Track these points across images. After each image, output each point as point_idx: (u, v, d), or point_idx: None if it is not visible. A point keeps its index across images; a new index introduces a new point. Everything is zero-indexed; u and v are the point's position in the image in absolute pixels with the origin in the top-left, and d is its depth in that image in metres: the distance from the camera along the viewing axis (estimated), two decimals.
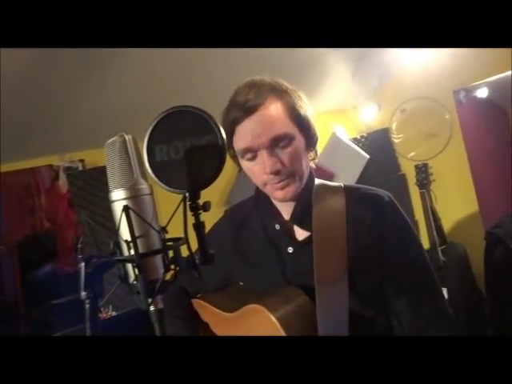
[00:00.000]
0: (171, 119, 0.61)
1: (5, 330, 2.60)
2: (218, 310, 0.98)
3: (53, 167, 2.77)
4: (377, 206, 0.94)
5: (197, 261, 0.62)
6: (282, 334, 0.80)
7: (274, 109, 0.89)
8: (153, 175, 0.60)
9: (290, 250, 0.96)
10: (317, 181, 0.97)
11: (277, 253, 0.97)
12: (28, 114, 2.14)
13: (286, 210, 0.97)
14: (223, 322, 0.97)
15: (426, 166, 3.00)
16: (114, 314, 1.94)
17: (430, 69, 3.06)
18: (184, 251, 0.64)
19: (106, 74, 2.10)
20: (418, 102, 3.22)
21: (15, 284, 2.81)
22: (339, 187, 0.96)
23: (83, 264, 0.60)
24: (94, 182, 1.90)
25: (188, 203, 0.61)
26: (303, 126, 0.92)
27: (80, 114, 2.28)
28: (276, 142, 0.88)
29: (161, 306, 0.61)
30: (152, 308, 0.60)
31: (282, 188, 0.91)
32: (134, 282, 0.59)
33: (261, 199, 0.99)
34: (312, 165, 1.00)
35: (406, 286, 0.91)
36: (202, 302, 1.03)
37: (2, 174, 2.63)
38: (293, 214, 0.96)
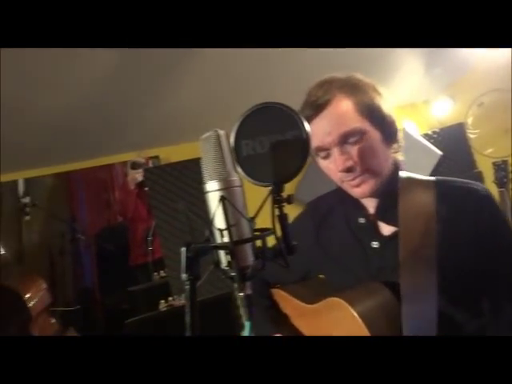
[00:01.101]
0: (256, 115, 0.63)
1: (82, 316, 2.81)
2: (298, 302, 0.97)
3: (126, 164, 2.95)
4: (472, 200, 0.88)
5: (279, 251, 0.63)
6: (364, 329, 0.78)
7: (342, 105, 0.87)
8: (240, 169, 0.62)
9: (375, 244, 0.92)
10: (404, 174, 0.93)
11: (360, 247, 0.94)
12: (107, 114, 2.28)
13: (370, 204, 0.94)
14: (304, 314, 0.96)
15: (505, 163, 2.79)
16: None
17: (511, 59, 2.84)
18: (268, 242, 0.65)
19: (179, 74, 2.19)
20: (497, 94, 3.00)
21: (93, 272, 3.02)
22: (429, 180, 0.91)
23: (184, 249, 0.64)
24: (167, 177, 2.00)
25: (272, 196, 0.62)
26: (377, 119, 0.89)
27: (156, 112, 2.39)
28: (346, 139, 0.86)
29: (249, 291, 0.63)
30: (241, 293, 0.62)
31: (358, 185, 0.88)
32: (226, 268, 0.61)
33: (343, 193, 0.97)
34: (398, 157, 0.96)
35: (503, 286, 0.85)
36: (282, 292, 1.03)
37: (83, 170, 2.85)
38: (377, 208, 0.92)
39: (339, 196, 0.98)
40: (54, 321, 2.48)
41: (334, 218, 1.02)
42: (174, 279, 1.92)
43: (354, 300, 0.82)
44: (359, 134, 0.87)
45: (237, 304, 0.65)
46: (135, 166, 2.92)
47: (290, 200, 0.63)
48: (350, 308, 0.81)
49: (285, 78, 2.39)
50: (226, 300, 1.96)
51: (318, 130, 0.87)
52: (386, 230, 0.92)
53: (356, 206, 0.96)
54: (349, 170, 0.87)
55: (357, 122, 0.88)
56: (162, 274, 2.34)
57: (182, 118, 2.37)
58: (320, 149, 0.90)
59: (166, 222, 1.96)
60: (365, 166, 0.87)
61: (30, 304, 2.39)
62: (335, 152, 0.87)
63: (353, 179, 0.88)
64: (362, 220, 0.94)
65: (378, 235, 0.92)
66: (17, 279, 2.47)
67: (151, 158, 2.91)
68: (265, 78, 2.46)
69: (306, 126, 0.61)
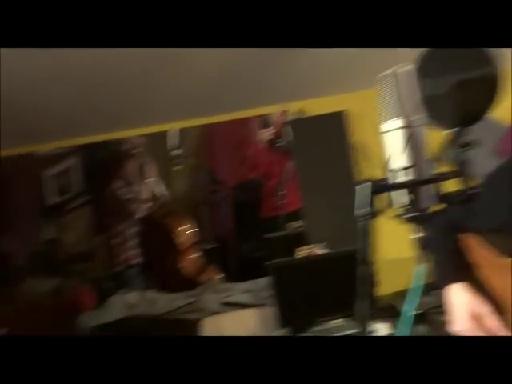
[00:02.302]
0: (439, 53, 0.59)
1: (221, 257, 3.09)
2: (491, 252, 0.90)
3: (261, 118, 3.09)
4: None
5: (470, 196, 0.60)
6: None
7: None
8: (420, 110, 0.60)
9: None
10: None
11: None
12: (253, 67, 2.37)
13: None
14: (495, 266, 0.89)
15: None
16: (324, 251, 2.05)
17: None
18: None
19: None
20: None
21: (228, 222, 3.30)
22: None
23: (368, 184, 0.65)
24: (311, 130, 2.07)
25: (456, 139, 0.60)
26: None
27: (299, 65, 2.42)
28: None
29: (429, 233, 0.62)
30: (419, 235, 0.62)
31: None
32: (403, 208, 0.60)
33: None
34: None
35: None
36: (473, 239, 0.94)
37: (225, 123, 3.07)
38: None
39: None
40: (198, 255, 2.81)
41: None
42: (312, 229, 2.00)
43: None
44: None
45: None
46: (267, 123, 3.06)
47: (471, 144, 0.60)
48: None
49: None
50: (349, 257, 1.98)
51: None
52: None
53: None
54: None
55: None
56: (296, 224, 2.45)
57: (324, 71, 2.37)
58: None
59: (308, 173, 2.03)
60: None
61: (180, 239, 2.74)
62: None
63: None
64: None
65: None
66: (171, 218, 2.84)
67: (286, 111, 2.97)
68: None
69: (500, 62, 0.57)
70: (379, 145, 0.65)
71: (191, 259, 2.80)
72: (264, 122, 3.08)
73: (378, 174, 0.63)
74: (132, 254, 2.83)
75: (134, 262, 2.83)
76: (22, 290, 2.88)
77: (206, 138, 3.28)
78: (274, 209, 2.88)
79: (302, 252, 1.96)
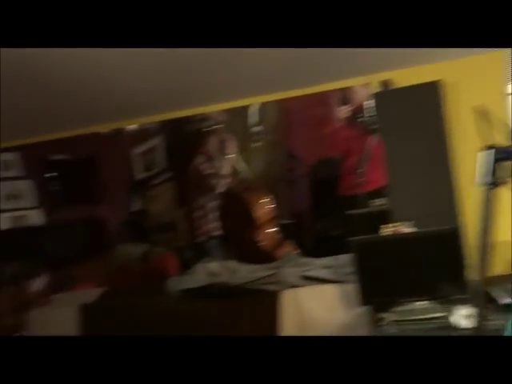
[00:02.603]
0: None
1: (294, 235, 3.13)
2: None
3: (341, 93, 3.00)
4: None
5: None
6: None
7: None
8: None
9: None
10: None
11: None
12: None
13: None
14: None
15: None
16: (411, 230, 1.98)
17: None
18: None
19: None
20: None
21: (305, 199, 3.31)
22: None
23: (491, 151, 0.61)
24: (399, 102, 1.96)
25: None
26: None
27: None
28: None
29: None
30: None
31: None
32: None
33: None
34: None
35: None
36: None
37: (302, 98, 3.04)
38: None
39: None
40: (275, 230, 2.87)
41: None
42: (399, 206, 1.93)
43: None
44: None
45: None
46: (346, 99, 2.98)
47: None
48: None
49: None
50: (439, 237, 1.88)
51: None
52: None
53: None
54: None
55: None
56: (378, 202, 2.38)
57: None
58: None
59: (395, 149, 1.96)
60: None
61: (258, 214, 2.81)
62: None
63: None
64: None
65: None
66: (249, 193, 2.92)
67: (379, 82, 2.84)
68: None
69: None
70: (502, 109, 0.62)
71: (268, 233, 2.88)
72: (343, 98, 3.00)
73: (501, 141, 0.59)
74: (213, 226, 2.97)
75: (215, 233, 2.97)
76: (115, 254, 3.17)
77: (284, 116, 3.28)
78: (354, 187, 2.83)
79: (387, 230, 1.91)
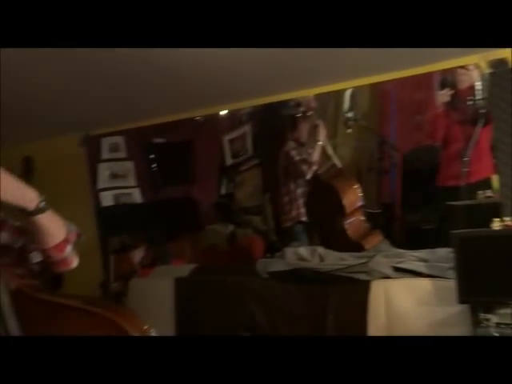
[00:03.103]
0: None
1: (382, 225, 3.02)
2: None
3: (442, 76, 2.76)
4: None
5: None
6: None
7: None
8: None
9: None
10: None
11: None
12: None
13: None
14: None
15: None
16: None
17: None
18: None
19: None
20: None
21: (397, 190, 3.17)
22: None
23: None
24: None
25: None
26: None
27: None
28: None
29: None
30: None
31: None
32: None
33: None
34: None
35: None
36: None
37: (395, 83, 2.86)
38: None
39: None
40: (363, 219, 2.81)
41: None
42: (509, 199, 1.76)
43: None
44: None
45: None
46: (446, 82, 2.76)
47: None
48: None
49: None
50: None
51: None
52: None
53: None
54: None
55: None
56: (483, 194, 2.19)
57: None
58: None
59: (507, 135, 1.78)
60: None
61: (346, 202, 2.76)
62: None
63: None
64: None
65: None
66: (339, 180, 2.88)
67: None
68: None
69: None
70: None
71: (356, 222, 2.82)
72: (444, 80, 2.79)
73: None
74: (300, 212, 2.98)
75: (302, 219, 2.98)
76: (205, 234, 3.35)
77: (378, 101, 3.15)
78: (455, 177, 2.63)
79: (495, 224, 1.75)
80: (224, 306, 2.32)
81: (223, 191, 3.52)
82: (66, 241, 1.08)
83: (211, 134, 3.42)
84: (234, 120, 3.38)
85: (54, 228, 1.06)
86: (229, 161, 3.45)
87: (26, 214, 1.01)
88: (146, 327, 1.00)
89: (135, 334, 0.94)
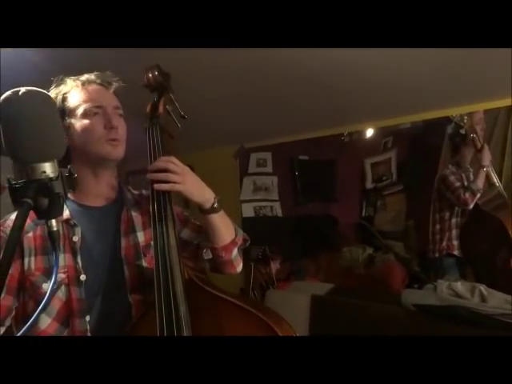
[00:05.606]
0: None
1: None
2: None
3: None
4: None
5: None
6: None
7: None
8: None
9: None
10: None
11: None
12: None
13: None
14: None
15: None
16: None
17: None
18: None
19: None
20: None
21: None
22: None
23: None
24: None
25: None
26: None
27: None
28: None
29: None
30: None
31: None
32: None
33: None
34: None
35: None
36: None
37: None
38: None
39: None
40: None
41: None
42: None
43: None
44: None
45: None
46: None
47: None
48: None
49: None
50: None
51: None
52: None
53: None
54: None
55: None
56: None
57: None
58: None
59: None
60: None
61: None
62: None
63: None
64: None
65: None
66: (504, 211, 2.52)
67: None
68: None
69: None
70: None
71: None
72: None
73: None
74: (453, 243, 2.69)
75: (455, 252, 2.68)
76: (343, 254, 3.26)
77: None
78: None
79: None
80: (361, 331, 2.21)
81: (363, 213, 3.40)
82: (234, 243, 1.14)
83: (354, 155, 3.36)
84: (378, 143, 3.26)
85: (225, 228, 1.13)
86: (370, 184, 3.34)
87: (202, 212, 1.10)
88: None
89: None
